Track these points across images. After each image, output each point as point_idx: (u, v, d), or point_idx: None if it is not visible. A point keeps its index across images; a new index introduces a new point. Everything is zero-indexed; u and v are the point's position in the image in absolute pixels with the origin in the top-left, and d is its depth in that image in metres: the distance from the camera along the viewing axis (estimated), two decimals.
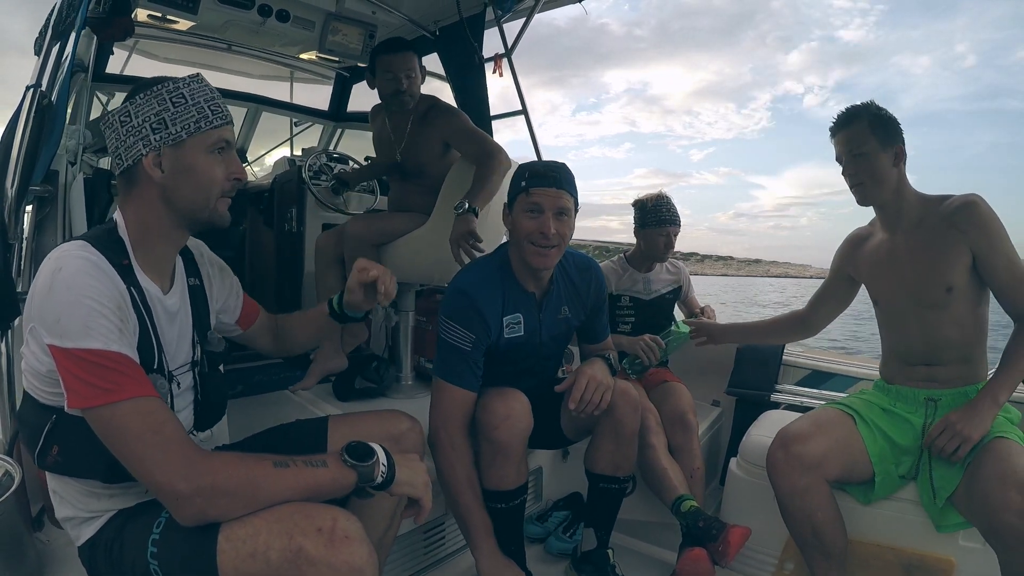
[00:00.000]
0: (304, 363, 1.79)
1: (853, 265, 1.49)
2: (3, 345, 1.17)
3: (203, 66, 2.71)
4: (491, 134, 2.42)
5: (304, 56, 2.69)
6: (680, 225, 1.97)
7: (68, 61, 1.38)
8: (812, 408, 1.54)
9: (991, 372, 1.31)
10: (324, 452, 0.84)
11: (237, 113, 2.96)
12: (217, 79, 2.85)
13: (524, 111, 2.37)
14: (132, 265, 0.83)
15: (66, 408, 0.73)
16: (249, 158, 3.27)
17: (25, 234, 1.34)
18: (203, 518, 0.72)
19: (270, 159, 3.42)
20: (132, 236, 0.85)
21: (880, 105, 1.35)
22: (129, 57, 2.59)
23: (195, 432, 0.94)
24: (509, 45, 2.38)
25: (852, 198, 1.39)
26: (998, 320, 1.34)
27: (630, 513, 1.69)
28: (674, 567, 1.46)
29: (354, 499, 0.96)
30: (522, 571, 1.28)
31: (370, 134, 2.12)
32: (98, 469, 0.78)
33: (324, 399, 1.84)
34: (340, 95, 3.10)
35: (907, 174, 1.36)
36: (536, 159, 2.15)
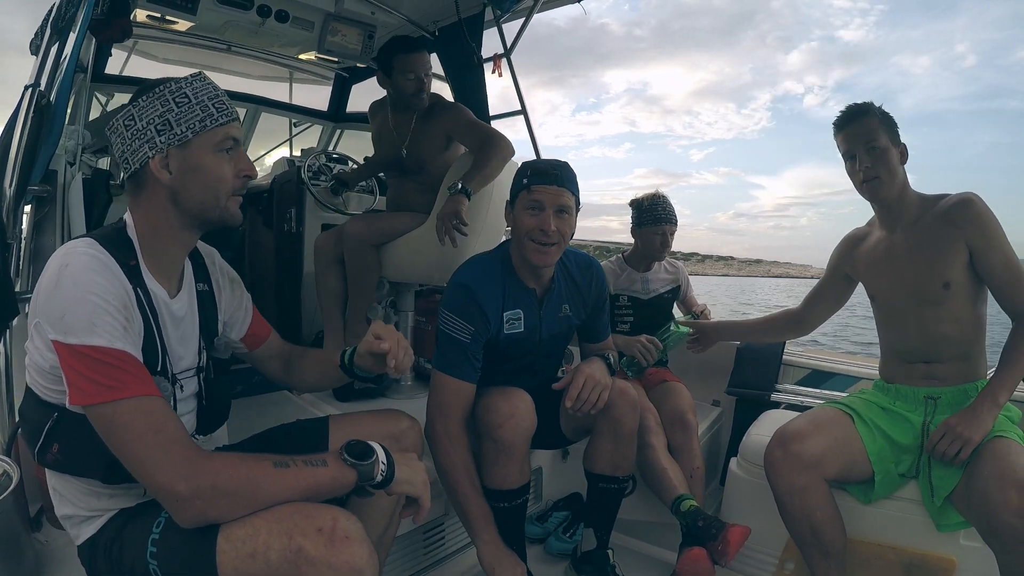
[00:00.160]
0: None
1: (851, 264, 1.49)
2: (1, 345, 1.17)
3: (202, 67, 2.69)
4: None
5: (303, 56, 2.69)
6: (676, 224, 1.97)
7: (68, 61, 1.38)
8: (812, 408, 1.54)
9: (990, 369, 1.31)
10: (325, 452, 0.83)
11: None
12: (216, 79, 2.83)
13: (523, 111, 2.37)
14: (140, 266, 0.83)
15: (68, 404, 0.73)
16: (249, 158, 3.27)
17: (24, 234, 1.34)
18: (203, 520, 0.72)
19: (269, 160, 3.42)
20: (141, 237, 0.84)
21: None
22: (128, 58, 2.59)
23: (197, 436, 0.94)
24: (508, 45, 2.38)
25: (852, 198, 1.41)
26: (999, 319, 1.34)
27: (630, 513, 1.69)
28: (674, 567, 1.46)
29: (354, 499, 0.95)
30: (522, 562, 1.27)
31: (369, 134, 2.12)
32: (98, 469, 0.77)
33: (324, 399, 1.84)
34: (339, 95, 3.10)
35: (907, 174, 1.37)
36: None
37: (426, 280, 1.97)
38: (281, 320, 2.24)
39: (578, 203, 1.32)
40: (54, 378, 0.75)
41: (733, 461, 1.62)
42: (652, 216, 1.95)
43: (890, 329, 1.42)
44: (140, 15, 2.12)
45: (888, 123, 1.33)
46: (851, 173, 1.37)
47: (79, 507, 0.82)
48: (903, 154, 1.33)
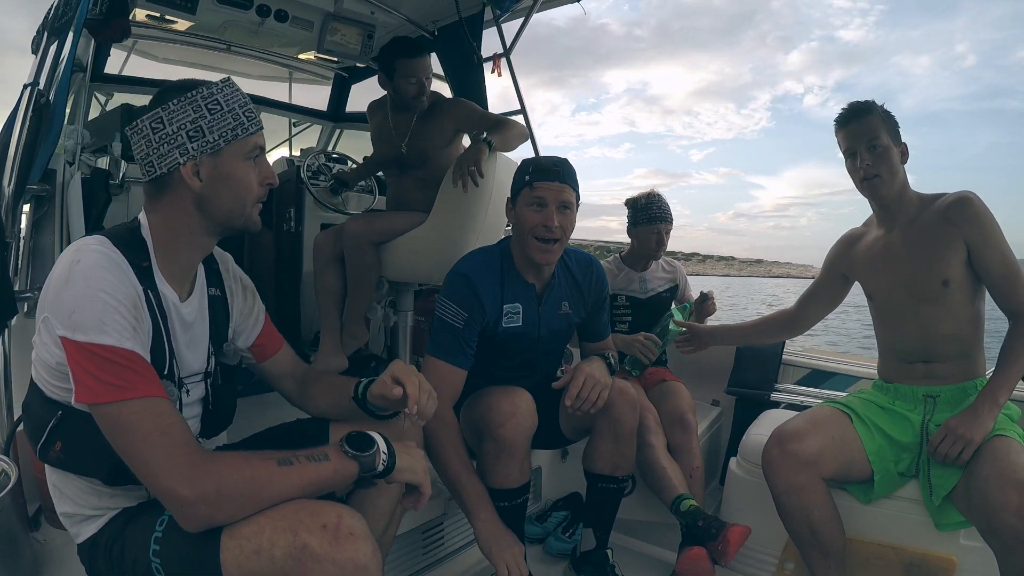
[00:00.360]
0: None
1: (847, 263, 1.49)
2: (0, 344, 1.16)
3: (202, 66, 2.71)
4: None
5: (303, 56, 2.69)
6: (672, 222, 1.98)
7: (66, 60, 1.38)
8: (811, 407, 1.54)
9: (989, 367, 1.31)
10: (327, 444, 0.83)
11: None
12: (216, 79, 2.85)
13: (523, 110, 2.37)
14: (152, 268, 0.82)
15: (73, 402, 0.72)
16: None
17: (22, 233, 1.34)
18: (209, 524, 0.71)
19: (269, 159, 3.42)
20: (156, 239, 0.84)
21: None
22: (128, 57, 2.59)
23: (199, 439, 0.94)
24: (508, 45, 2.38)
25: (851, 198, 1.42)
26: (999, 315, 1.33)
27: (629, 513, 1.69)
28: (674, 567, 1.46)
29: (356, 496, 0.95)
30: (520, 541, 1.24)
31: (369, 134, 2.12)
32: (101, 470, 0.77)
33: None
34: (339, 95, 3.09)
35: (907, 174, 1.37)
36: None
37: (425, 279, 1.97)
38: (280, 320, 2.23)
39: (578, 199, 1.33)
40: (60, 375, 0.74)
41: (733, 461, 1.62)
42: (647, 215, 1.95)
43: (889, 328, 1.42)
44: (139, 15, 2.12)
45: (889, 122, 1.33)
46: (851, 171, 1.36)
47: (80, 505, 0.82)
48: (904, 154, 1.34)
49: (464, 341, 1.28)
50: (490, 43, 2.42)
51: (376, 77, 1.94)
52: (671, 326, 1.71)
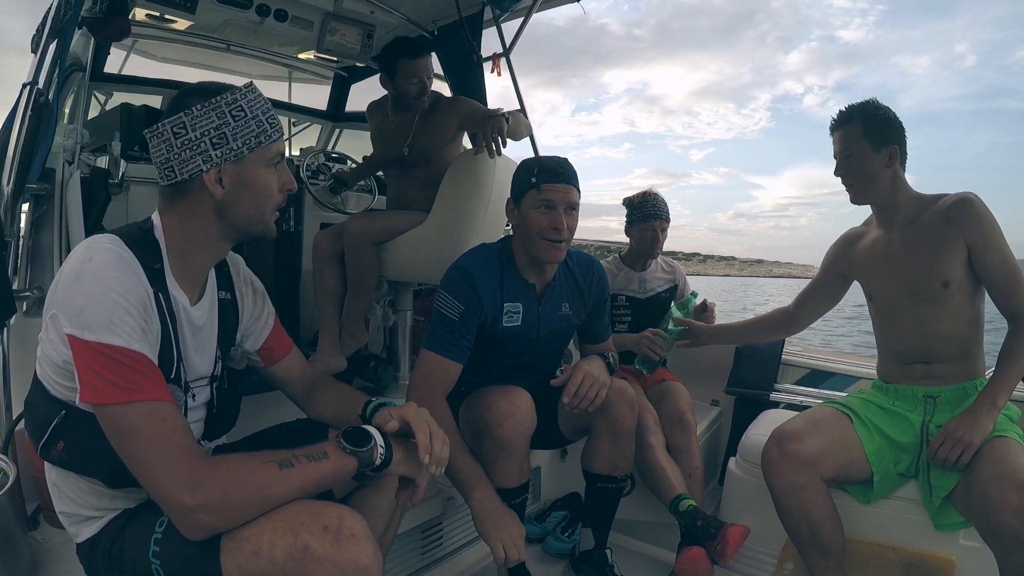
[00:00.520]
0: None
1: (847, 263, 1.49)
2: None
3: (201, 66, 2.71)
4: None
5: (302, 56, 2.69)
6: (668, 220, 1.98)
7: (61, 59, 1.38)
8: (811, 407, 1.54)
9: (989, 367, 1.30)
10: (324, 441, 0.82)
11: None
12: (215, 79, 2.84)
13: (522, 110, 2.37)
14: (164, 270, 0.82)
15: (78, 402, 0.71)
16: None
17: (21, 232, 1.34)
18: (210, 531, 0.70)
19: None
20: (170, 242, 0.83)
21: (880, 103, 1.35)
22: (127, 57, 2.59)
23: (203, 442, 0.93)
24: (507, 44, 2.38)
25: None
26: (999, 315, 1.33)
27: (628, 513, 1.69)
28: (672, 567, 1.46)
29: (357, 497, 0.95)
30: (520, 523, 1.19)
31: (368, 134, 2.12)
32: (103, 471, 0.76)
33: None
34: (338, 95, 3.09)
35: (907, 174, 1.37)
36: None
37: (425, 279, 1.96)
38: (279, 320, 2.23)
39: (579, 197, 1.33)
40: (66, 374, 0.74)
41: (732, 461, 1.62)
42: (642, 213, 1.97)
43: (888, 328, 1.42)
44: (139, 14, 2.12)
45: (876, 126, 1.32)
46: (838, 175, 1.40)
47: (79, 505, 0.81)
48: (893, 156, 1.32)
49: (459, 333, 1.27)
50: (490, 43, 2.41)
51: (376, 77, 1.95)
52: (671, 325, 1.71)
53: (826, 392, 1.91)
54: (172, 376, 0.81)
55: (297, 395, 1.08)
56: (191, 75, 2.68)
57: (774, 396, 1.98)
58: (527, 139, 2.45)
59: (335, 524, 0.72)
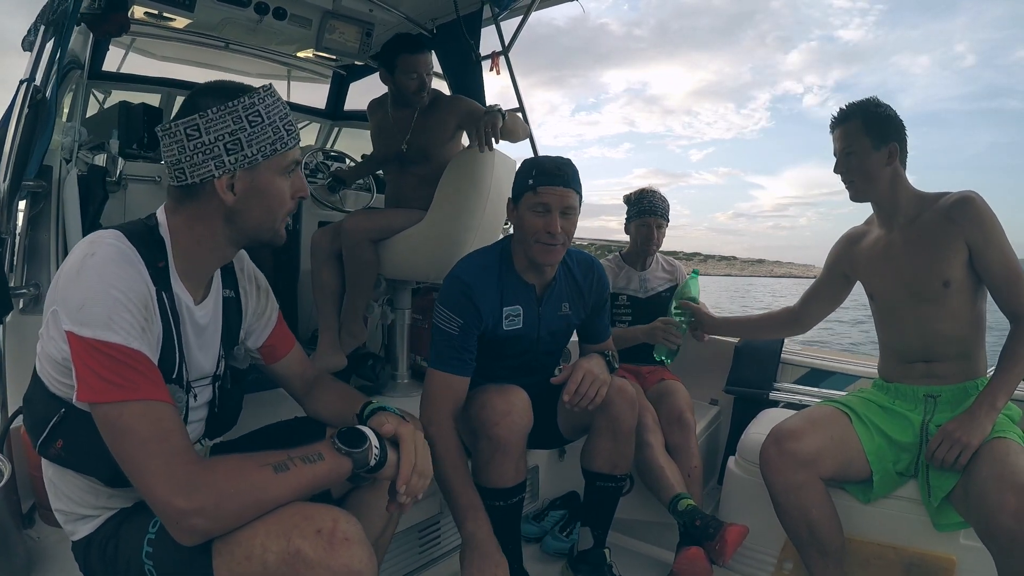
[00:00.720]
0: None
1: (849, 262, 1.48)
2: None
3: (200, 64, 2.70)
4: None
5: (301, 54, 2.68)
6: (665, 217, 1.99)
7: (59, 55, 1.37)
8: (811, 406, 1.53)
9: (990, 367, 1.30)
10: (320, 441, 0.82)
11: None
12: (214, 78, 2.83)
13: (521, 109, 2.36)
14: (168, 268, 0.81)
15: (75, 400, 0.71)
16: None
17: (18, 229, 1.34)
18: (204, 536, 0.69)
19: None
20: (176, 242, 0.82)
21: (881, 101, 1.35)
22: (126, 55, 2.58)
23: (203, 441, 0.93)
24: (506, 43, 2.38)
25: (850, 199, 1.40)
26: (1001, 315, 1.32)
27: (627, 512, 1.68)
28: (671, 566, 1.45)
29: (354, 498, 0.94)
30: (505, 559, 1.19)
31: (367, 132, 2.11)
32: (101, 470, 0.75)
33: None
34: (337, 94, 3.09)
35: (907, 174, 1.36)
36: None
37: (423, 278, 1.96)
38: (282, 316, 2.23)
39: (580, 200, 1.32)
40: (65, 371, 0.72)
41: (731, 460, 1.62)
42: (639, 209, 1.98)
43: (889, 328, 1.41)
44: (138, 11, 2.11)
45: (876, 124, 1.32)
46: (837, 173, 1.40)
47: (76, 503, 0.81)
48: (893, 153, 1.32)
49: (462, 347, 1.27)
50: (489, 42, 2.43)
51: (375, 75, 1.95)
52: (674, 307, 1.70)
53: (825, 391, 1.91)
54: (174, 376, 0.81)
55: (297, 392, 1.07)
56: (190, 73, 2.68)
57: (773, 395, 1.97)
58: (527, 139, 2.45)
59: (329, 528, 0.71)
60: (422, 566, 1.42)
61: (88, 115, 2.32)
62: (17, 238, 1.33)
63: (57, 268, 0.86)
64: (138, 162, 1.96)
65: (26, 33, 1.59)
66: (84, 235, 0.83)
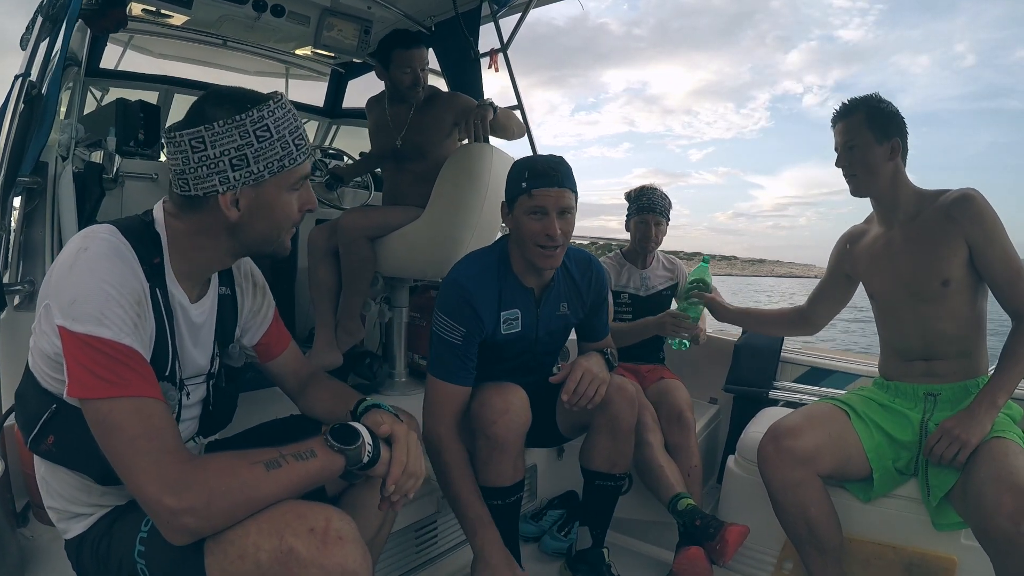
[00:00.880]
0: None
1: (850, 262, 1.48)
2: None
3: (198, 62, 2.70)
4: None
5: (299, 52, 2.68)
6: (664, 215, 1.98)
7: (60, 52, 1.37)
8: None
9: (991, 366, 1.29)
10: (313, 438, 0.81)
11: None
12: (212, 76, 2.84)
13: (520, 106, 2.36)
14: (164, 265, 0.80)
15: (65, 396, 0.70)
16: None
17: (13, 226, 1.33)
18: (194, 536, 0.68)
19: None
20: (173, 242, 0.80)
21: (883, 98, 1.34)
22: (124, 52, 2.58)
23: (197, 438, 0.92)
24: (505, 40, 2.37)
25: (850, 198, 1.40)
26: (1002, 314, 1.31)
27: (626, 512, 1.67)
28: (671, 566, 1.44)
29: (348, 496, 0.93)
30: (520, 567, 1.24)
31: (365, 130, 2.11)
32: (93, 468, 0.75)
33: None
34: (335, 91, 3.09)
35: (907, 173, 1.35)
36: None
37: (421, 275, 1.95)
38: (279, 313, 2.22)
39: (576, 197, 1.30)
40: (57, 366, 0.72)
41: (731, 459, 1.61)
42: (637, 206, 1.98)
43: (889, 326, 1.41)
44: (135, 9, 2.11)
45: (880, 119, 1.31)
46: (840, 167, 1.39)
47: (69, 501, 0.80)
48: (895, 149, 1.31)
49: (464, 356, 1.26)
50: (488, 39, 2.42)
51: (372, 72, 1.94)
52: (683, 300, 1.68)
53: (825, 390, 1.90)
54: (167, 374, 0.80)
55: (292, 390, 1.07)
56: (187, 71, 2.67)
57: (773, 394, 1.96)
58: (525, 137, 2.44)
59: (322, 526, 0.70)
60: (419, 566, 1.41)
61: (85, 112, 2.31)
62: (12, 234, 1.32)
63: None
64: (135, 159, 1.95)
65: (24, 31, 1.58)
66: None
